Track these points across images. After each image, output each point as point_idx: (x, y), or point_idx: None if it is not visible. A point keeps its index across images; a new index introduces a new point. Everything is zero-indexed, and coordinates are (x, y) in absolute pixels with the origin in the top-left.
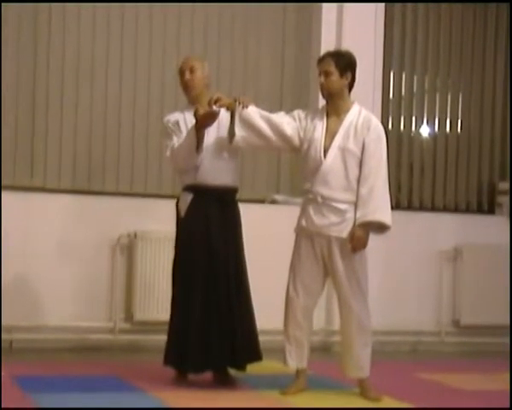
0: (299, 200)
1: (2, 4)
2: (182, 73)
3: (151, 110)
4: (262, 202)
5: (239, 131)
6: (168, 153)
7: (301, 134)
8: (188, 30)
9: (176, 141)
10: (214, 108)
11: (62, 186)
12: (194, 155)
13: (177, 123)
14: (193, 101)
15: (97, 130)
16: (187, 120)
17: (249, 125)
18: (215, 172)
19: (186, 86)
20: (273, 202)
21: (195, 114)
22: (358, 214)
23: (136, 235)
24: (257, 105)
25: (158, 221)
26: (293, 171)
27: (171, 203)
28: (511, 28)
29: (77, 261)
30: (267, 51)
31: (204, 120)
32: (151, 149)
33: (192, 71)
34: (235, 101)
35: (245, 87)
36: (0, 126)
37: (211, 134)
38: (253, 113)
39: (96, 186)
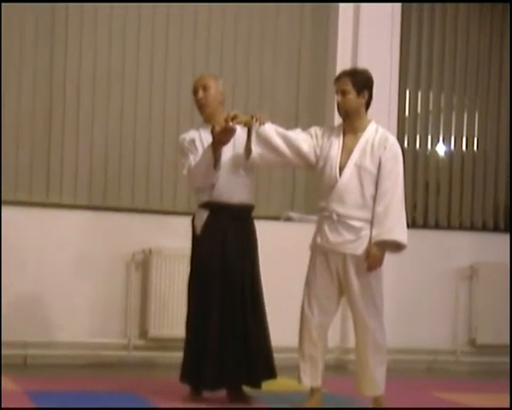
0: (314, 217)
1: (21, 21)
2: (195, 91)
3: (167, 127)
4: (277, 219)
5: (255, 148)
6: (185, 171)
7: (317, 151)
8: (203, 47)
9: (192, 159)
10: (231, 124)
11: (78, 202)
12: (211, 172)
13: (192, 141)
14: (208, 119)
15: (113, 146)
16: (202, 137)
17: (266, 141)
18: (231, 189)
19: (199, 105)
20: (288, 219)
21: (212, 132)
22: (374, 233)
23: (151, 251)
24: (273, 122)
25: (173, 238)
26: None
27: (187, 220)
28: None
29: (92, 277)
30: (283, 67)
31: (221, 138)
32: (166, 165)
33: (205, 89)
34: (252, 118)
35: (261, 103)
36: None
37: (227, 151)
38: (270, 129)
39: (112, 202)
